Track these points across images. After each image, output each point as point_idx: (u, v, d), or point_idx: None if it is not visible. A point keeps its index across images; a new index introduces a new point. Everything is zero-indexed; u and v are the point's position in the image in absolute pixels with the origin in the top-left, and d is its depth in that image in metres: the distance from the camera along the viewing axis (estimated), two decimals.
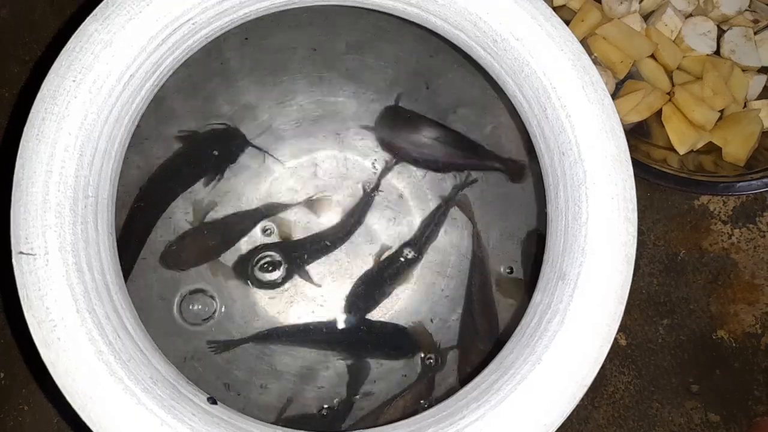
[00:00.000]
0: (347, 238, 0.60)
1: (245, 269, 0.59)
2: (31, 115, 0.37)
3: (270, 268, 0.59)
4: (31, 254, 0.35)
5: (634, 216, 0.38)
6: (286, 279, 0.59)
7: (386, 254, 0.60)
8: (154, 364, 0.36)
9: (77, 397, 0.34)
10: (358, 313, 0.59)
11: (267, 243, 0.60)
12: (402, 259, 0.60)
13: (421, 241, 0.60)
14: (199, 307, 0.58)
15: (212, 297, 0.59)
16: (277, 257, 0.59)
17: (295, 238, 0.60)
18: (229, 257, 0.59)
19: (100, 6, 0.38)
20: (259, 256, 0.59)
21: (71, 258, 0.35)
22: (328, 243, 0.60)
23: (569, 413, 0.36)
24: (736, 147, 0.64)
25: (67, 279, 0.35)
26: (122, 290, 0.38)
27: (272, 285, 0.59)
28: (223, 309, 0.59)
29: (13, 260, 0.35)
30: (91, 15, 0.38)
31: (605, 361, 0.37)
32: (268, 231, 0.60)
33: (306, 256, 0.60)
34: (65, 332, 0.34)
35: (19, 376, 0.64)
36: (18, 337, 0.64)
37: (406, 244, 0.60)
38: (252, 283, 0.59)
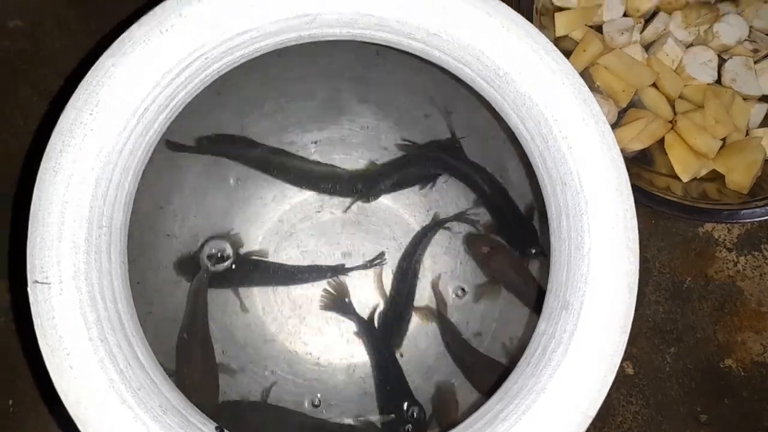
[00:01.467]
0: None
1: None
2: (48, 147, 0.38)
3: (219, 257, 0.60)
4: (46, 283, 0.36)
5: (635, 246, 0.38)
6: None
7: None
8: (164, 393, 0.37)
9: (88, 425, 0.35)
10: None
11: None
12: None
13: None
14: None
15: None
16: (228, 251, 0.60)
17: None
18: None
19: (116, 42, 0.39)
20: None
21: (85, 287, 0.36)
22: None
23: None
24: (740, 175, 0.64)
25: (80, 308, 0.36)
26: (133, 318, 0.39)
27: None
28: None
29: (29, 289, 0.36)
30: (108, 50, 0.39)
31: (612, 390, 0.37)
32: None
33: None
34: (78, 361, 0.35)
35: (27, 403, 0.64)
36: (30, 364, 0.64)
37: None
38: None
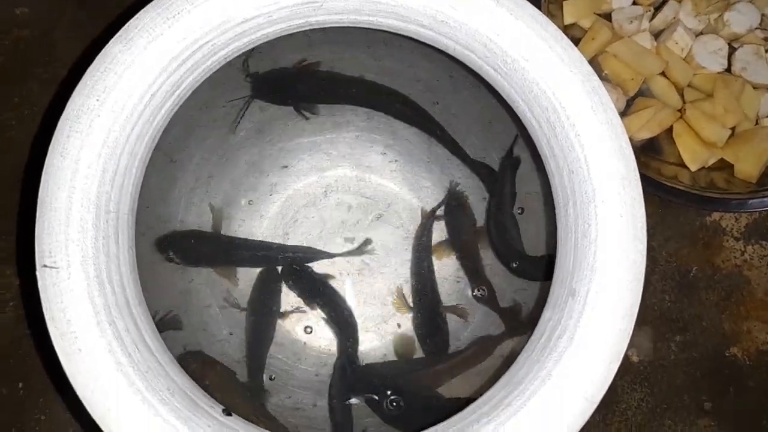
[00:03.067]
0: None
1: None
2: (56, 133, 0.38)
3: None
4: (54, 267, 0.36)
5: (643, 234, 0.38)
6: None
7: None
8: (172, 376, 0.37)
9: (96, 407, 0.35)
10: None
11: None
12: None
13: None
14: None
15: None
16: None
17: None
18: None
19: (123, 28, 0.39)
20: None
21: (93, 271, 0.37)
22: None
23: (578, 430, 0.36)
24: (748, 164, 0.64)
25: (88, 292, 0.36)
26: (141, 303, 0.40)
27: None
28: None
29: (37, 273, 0.37)
30: (114, 37, 0.39)
31: (617, 377, 0.37)
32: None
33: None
34: (86, 344, 0.36)
35: (36, 387, 0.65)
36: (38, 348, 0.65)
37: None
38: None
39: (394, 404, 0.55)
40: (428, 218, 0.61)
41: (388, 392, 0.55)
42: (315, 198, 0.62)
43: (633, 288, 0.38)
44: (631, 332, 0.38)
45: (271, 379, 0.58)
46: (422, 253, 0.60)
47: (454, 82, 0.57)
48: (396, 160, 0.62)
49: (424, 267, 0.60)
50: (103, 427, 0.35)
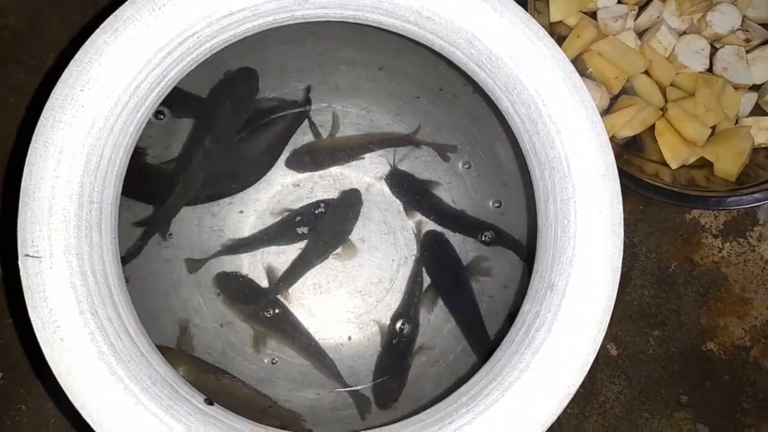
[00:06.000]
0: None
1: None
2: (39, 122, 0.38)
3: None
4: (36, 257, 0.36)
5: (620, 230, 0.39)
6: None
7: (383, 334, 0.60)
8: (154, 366, 0.38)
9: (78, 395, 0.35)
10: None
11: None
12: (401, 338, 0.60)
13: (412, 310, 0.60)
14: None
15: None
16: None
17: None
18: None
19: (109, 19, 0.39)
20: None
21: (75, 261, 0.37)
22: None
23: (553, 420, 0.37)
24: (728, 162, 0.65)
25: (70, 281, 0.36)
26: (124, 293, 0.40)
27: None
28: None
29: (20, 262, 0.37)
30: (100, 27, 0.39)
31: (596, 371, 0.38)
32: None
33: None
34: (68, 333, 0.36)
35: (17, 377, 0.65)
36: (20, 338, 0.65)
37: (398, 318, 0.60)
38: None
39: None
40: (417, 265, 0.61)
41: None
42: (302, 195, 0.62)
43: (610, 281, 0.39)
44: (607, 325, 0.39)
45: (273, 363, 0.58)
46: (410, 302, 0.61)
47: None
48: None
49: (412, 311, 0.60)
50: (84, 416, 0.35)
